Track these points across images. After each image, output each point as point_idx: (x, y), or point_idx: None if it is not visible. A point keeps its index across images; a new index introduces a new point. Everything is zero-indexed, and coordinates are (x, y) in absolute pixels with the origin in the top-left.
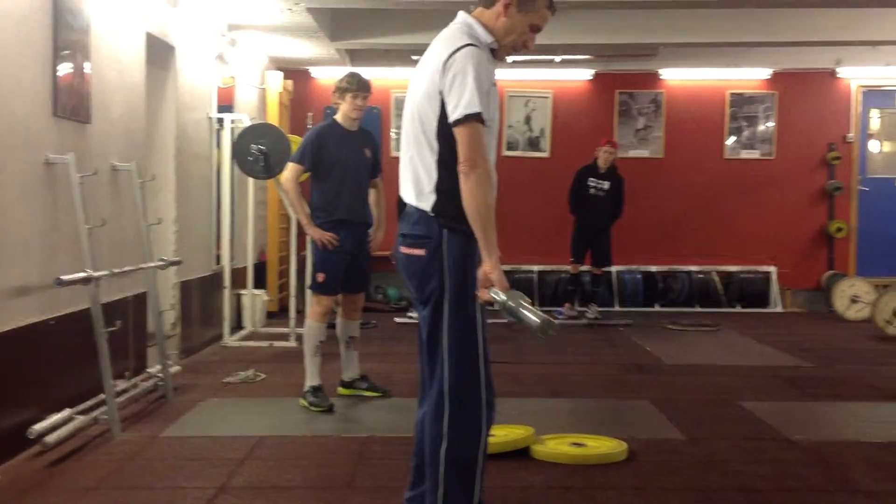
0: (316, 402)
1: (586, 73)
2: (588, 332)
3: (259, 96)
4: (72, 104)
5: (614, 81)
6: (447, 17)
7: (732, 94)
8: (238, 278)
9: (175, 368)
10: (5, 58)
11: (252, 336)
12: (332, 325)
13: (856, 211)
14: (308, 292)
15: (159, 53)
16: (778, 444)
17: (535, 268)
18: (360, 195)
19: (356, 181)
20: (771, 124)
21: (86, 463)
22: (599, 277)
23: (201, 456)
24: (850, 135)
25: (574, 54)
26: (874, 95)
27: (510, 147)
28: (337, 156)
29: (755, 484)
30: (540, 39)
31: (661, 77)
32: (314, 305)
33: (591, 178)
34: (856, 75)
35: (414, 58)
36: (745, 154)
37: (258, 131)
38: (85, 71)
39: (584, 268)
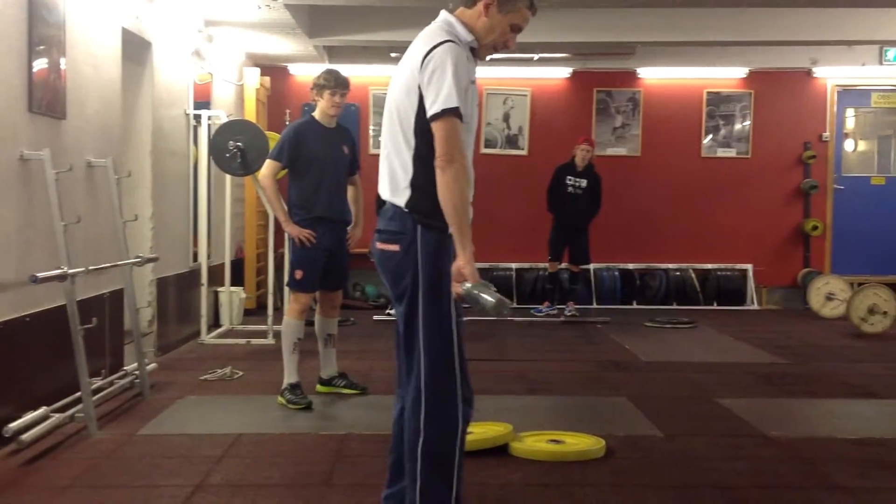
0: (294, 399)
1: (564, 72)
2: (566, 329)
3: (236, 93)
4: (47, 100)
5: (592, 80)
6: (425, 14)
7: (709, 92)
8: (215, 275)
9: (152, 366)
10: None
11: (229, 333)
12: (310, 323)
13: (831, 209)
14: (286, 289)
15: (135, 49)
16: (754, 441)
17: (514, 265)
18: (339, 192)
19: (334, 178)
20: (747, 123)
21: (62, 461)
22: (577, 275)
23: (178, 454)
24: (826, 134)
25: (552, 52)
26: (849, 95)
27: (488, 145)
28: (315, 153)
29: (732, 480)
30: (518, 37)
31: (638, 76)
32: (292, 303)
33: (569, 177)
34: (831, 75)
35: (393, 55)
36: (722, 153)
37: (235, 128)
38: (60, 66)
39: (563, 266)
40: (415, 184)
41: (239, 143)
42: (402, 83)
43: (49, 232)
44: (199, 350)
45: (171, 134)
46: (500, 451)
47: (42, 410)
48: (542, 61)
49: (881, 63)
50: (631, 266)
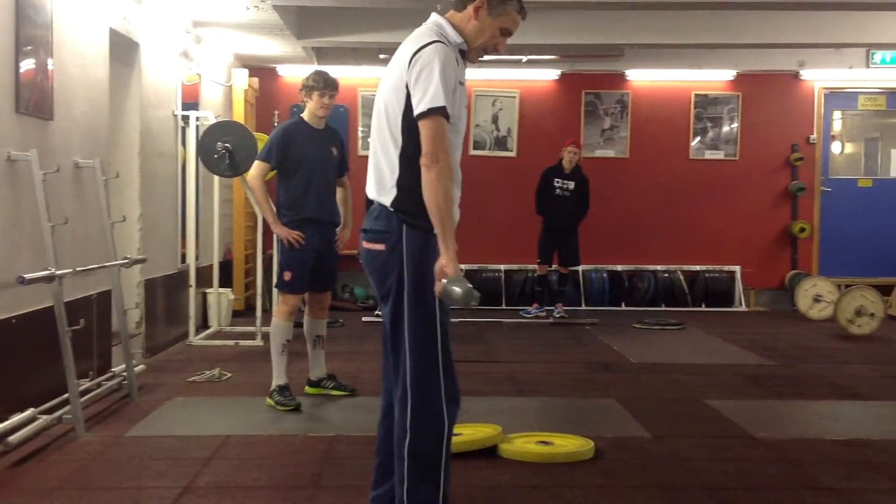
0: (282, 401)
1: (553, 73)
2: (555, 330)
3: (225, 94)
4: (34, 100)
5: (581, 82)
6: (414, 16)
7: (697, 95)
8: (203, 277)
9: (140, 367)
10: None
11: (218, 335)
12: (298, 324)
13: (818, 211)
14: (274, 291)
15: (123, 50)
16: (742, 442)
17: (502, 267)
18: (328, 193)
19: (323, 179)
20: (735, 125)
21: (49, 463)
22: (566, 276)
23: (166, 455)
24: (813, 136)
25: (541, 54)
26: (836, 97)
27: (477, 146)
28: (304, 154)
29: (720, 481)
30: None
31: (626, 78)
32: (281, 304)
33: (557, 179)
34: (818, 77)
35: (381, 56)
36: (710, 155)
37: (224, 129)
38: (48, 67)
39: (552, 268)
40: (401, 183)
41: (227, 145)
42: (391, 83)
43: (36, 233)
44: (187, 351)
45: (159, 135)
46: (489, 453)
47: (29, 412)
48: (530, 63)
49: (868, 66)
50: (619, 268)
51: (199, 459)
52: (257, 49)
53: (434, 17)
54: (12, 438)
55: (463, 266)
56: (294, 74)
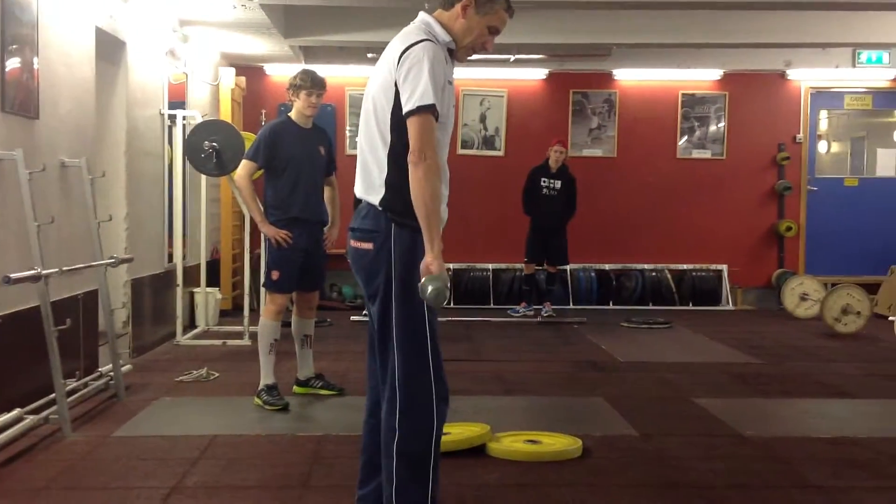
0: (270, 400)
1: (541, 73)
2: (543, 329)
3: (212, 93)
4: (20, 99)
5: (568, 81)
6: (402, 14)
7: (684, 94)
8: (191, 276)
9: (127, 367)
10: None
11: (205, 334)
12: (286, 324)
13: (805, 210)
14: (262, 290)
15: (110, 49)
16: (730, 440)
17: (490, 266)
18: (315, 193)
19: (311, 179)
20: (722, 125)
21: (36, 463)
22: (554, 276)
23: (154, 455)
24: (800, 135)
25: (529, 54)
26: (823, 97)
27: (465, 145)
28: (291, 153)
29: (707, 479)
30: (495, 38)
31: (614, 77)
32: (268, 304)
33: (543, 178)
34: (805, 77)
35: (369, 55)
36: (697, 154)
37: (211, 128)
38: (33, 66)
39: (540, 267)
40: (389, 182)
41: (214, 144)
42: (380, 81)
43: (22, 232)
44: (174, 351)
45: (146, 134)
46: (477, 452)
47: (16, 412)
48: (518, 62)
49: (854, 65)
50: (607, 267)
51: (187, 459)
52: (244, 48)
53: (422, 15)
54: None
55: (451, 265)
56: (281, 73)
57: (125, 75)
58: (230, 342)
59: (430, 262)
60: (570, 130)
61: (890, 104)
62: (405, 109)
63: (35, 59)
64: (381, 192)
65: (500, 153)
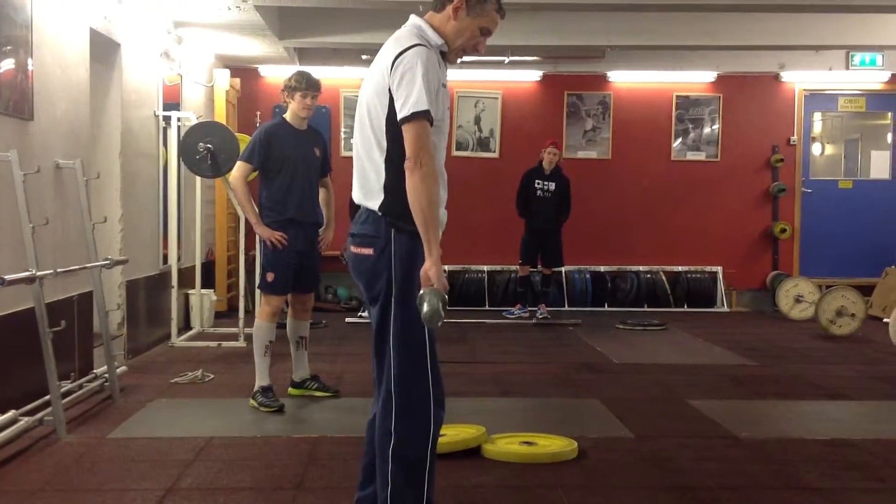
0: (266, 402)
1: (535, 75)
2: (538, 331)
3: (206, 94)
4: (14, 100)
5: (563, 83)
6: (396, 16)
7: (678, 96)
8: (186, 278)
9: (122, 369)
10: None
11: (200, 336)
12: (281, 325)
13: (799, 212)
14: (257, 292)
15: (104, 50)
16: (725, 442)
17: (485, 268)
18: (310, 194)
19: (306, 180)
20: (716, 127)
21: (31, 465)
22: (549, 277)
23: (149, 457)
24: (794, 137)
25: (523, 55)
26: (817, 99)
27: (460, 147)
28: (286, 155)
29: (703, 481)
30: (489, 40)
31: (608, 79)
32: (263, 305)
33: (538, 180)
34: (799, 79)
35: (364, 57)
36: (692, 156)
37: (205, 129)
38: (28, 67)
39: (535, 269)
40: (387, 187)
41: (209, 145)
42: (373, 86)
43: (17, 234)
44: (169, 353)
45: (141, 135)
46: (472, 454)
47: (10, 414)
48: (512, 64)
49: (848, 68)
50: (602, 268)
51: (182, 461)
52: (239, 49)
53: (413, 19)
54: None
55: (446, 267)
56: (276, 75)
57: (119, 77)
58: (225, 344)
59: (429, 267)
60: (564, 132)
61: (883, 106)
62: (399, 116)
63: (29, 61)
64: (380, 197)
65: (495, 155)
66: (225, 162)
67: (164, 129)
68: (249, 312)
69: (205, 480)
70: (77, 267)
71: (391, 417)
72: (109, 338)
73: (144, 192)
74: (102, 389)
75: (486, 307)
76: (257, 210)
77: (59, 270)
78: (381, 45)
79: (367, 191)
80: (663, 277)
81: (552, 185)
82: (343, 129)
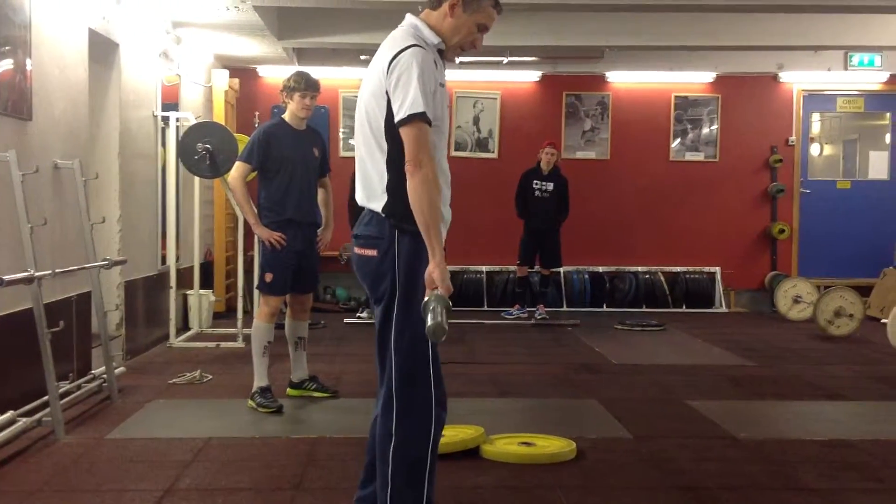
0: (264, 403)
1: (534, 75)
2: (537, 332)
3: (205, 94)
4: (12, 101)
5: (562, 83)
6: (395, 17)
7: (677, 96)
8: (184, 278)
9: (120, 369)
10: None
11: (199, 337)
12: (280, 326)
13: (798, 213)
14: (256, 292)
15: (103, 50)
16: (723, 443)
17: (484, 268)
18: (309, 195)
19: (304, 180)
20: (715, 127)
21: (29, 465)
22: (548, 278)
23: (147, 458)
24: (792, 138)
25: (522, 56)
26: (815, 99)
27: (458, 148)
28: (285, 155)
29: (701, 481)
30: (488, 41)
31: (607, 79)
32: (262, 306)
33: (536, 181)
34: (797, 79)
35: (362, 57)
36: (690, 156)
37: (204, 130)
38: (26, 67)
39: (533, 269)
40: (390, 188)
41: (207, 146)
42: (371, 89)
43: (15, 234)
44: (167, 353)
45: (139, 136)
46: (471, 454)
47: (9, 415)
48: (511, 65)
49: (846, 68)
50: (601, 269)
51: (181, 462)
52: (237, 50)
53: (409, 18)
54: None
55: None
56: (274, 75)
57: (118, 77)
58: (224, 344)
59: (433, 269)
60: (563, 133)
61: (882, 107)
62: (397, 118)
63: (28, 61)
64: (384, 198)
65: (494, 155)
66: (223, 162)
67: (163, 130)
68: (248, 313)
69: (203, 481)
70: (75, 267)
71: (392, 418)
72: (108, 338)
73: (143, 192)
74: (101, 390)
75: (485, 308)
76: (256, 210)
77: (57, 271)
78: (379, 45)
79: (370, 193)
80: (662, 278)
81: (550, 186)
82: (342, 130)
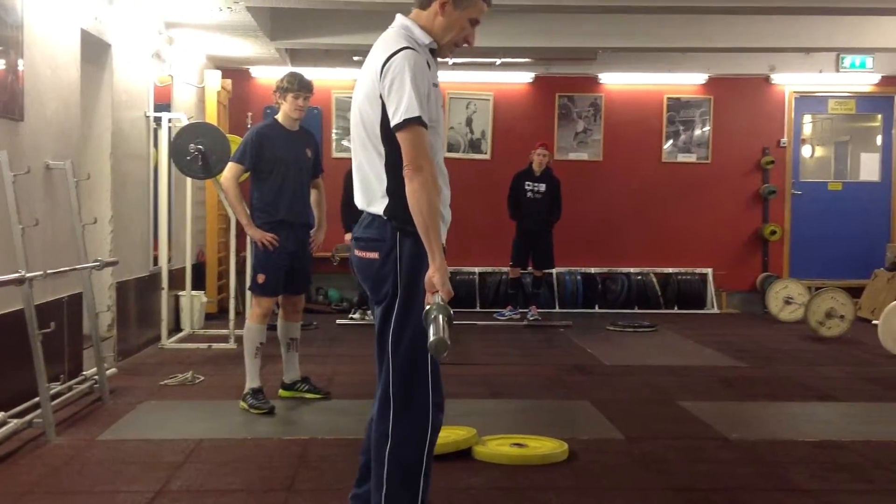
0: (256, 404)
1: (527, 76)
2: (529, 333)
3: (197, 95)
4: (4, 101)
5: (554, 85)
6: (388, 17)
7: (669, 98)
8: (176, 279)
9: (111, 371)
10: None
11: (190, 338)
12: (272, 327)
13: (789, 214)
14: (248, 293)
15: (95, 51)
16: (715, 444)
17: (476, 269)
18: (301, 196)
19: (297, 181)
20: (707, 129)
21: (20, 467)
22: (540, 279)
23: (139, 459)
24: (784, 139)
25: (515, 57)
26: (807, 101)
27: (451, 149)
28: (278, 156)
29: (693, 482)
30: (481, 42)
31: (600, 81)
32: (254, 307)
33: (528, 182)
34: (789, 81)
35: (355, 58)
36: (682, 158)
37: (196, 130)
38: (18, 68)
39: (525, 271)
40: (391, 191)
41: (200, 146)
42: (365, 91)
43: (6, 235)
44: (159, 355)
45: (131, 136)
46: (463, 455)
47: None
48: (504, 66)
49: (838, 70)
50: (593, 270)
51: (172, 463)
52: (230, 50)
53: (400, 19)
54: None
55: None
56: (267, 76)
57: (110, 77)
58: (215, 346)
59: (433, 273)
60: (556, 134)
61: (873, 108)
62: (392, 123)
63: (20, 61)
64: (385, 202)
65: (487, 156)
66: (216, 163)
67: (155, 130)
68: (240, 314)
69: (195, 482)
70: (67, 268)
71: (388, 419)
72: (99, 339)
73: (135, 193)
74: (92, 391)
75: (478, 309)
76: (248, 211)
77: (48, 272)
78: (372, 45)
79: (371, 196)
80: (654, 279)
81: (542, 187)
82: (335, 131)
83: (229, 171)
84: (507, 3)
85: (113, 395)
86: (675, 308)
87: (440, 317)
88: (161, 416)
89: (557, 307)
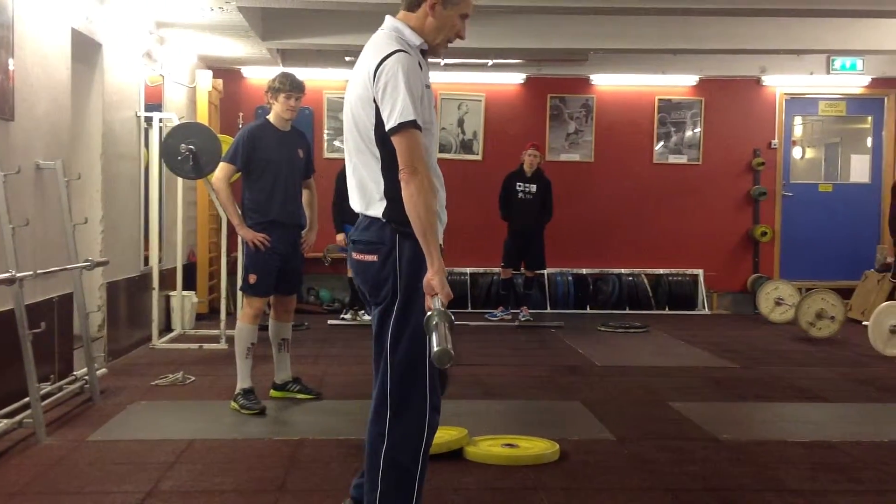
0: (247, 404)
1: (518, 77)
2: (520, 333)
3: (188, 95)
4: None
5: (546, 86)
6: (379, 18)
7: (661, 99)
8: (167, 279)
9: (102, 371)
10: None
11: (181, 338)
12: (263, 328)
13: (780, 215)
14: (239, 294)
15: (86, 50)
16: (706, 444)
17: (468, 270)
18: (293, 196)
19: (289, 182)
20: (698, 130)
21: (10, 468)
22: (531, 280)
23: (129, 460)
24: (775, 141)
25: (506, 58)
26: (797, 103)
27: (443, 149)
28: (269, 156)
29: (684, 483)
30: (473, 43)
31: (591, 82)
32: (245, 307)
33: (519, 183)
34: (780, 83)
35: (347, 58)
36: (673, 159)
37: (187, 130)
38: (9, 67)
39: (518, 272)
40: (388, 194)
41: (191, 146)
42: (358, 93)
43: None
44: (150, 355)
45: (122, 136)
46: (454, 456)
47: None
48: (496, 67)
49: (828, 72)
50: (584, 271)
51: (163, 464)
52: (221, 50)
53: (390, 20)
54: None
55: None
56: (259, 76)
57: (101, 77)
58: (206, 346)
59: (431, 276)
60: (547, 135)
61: (863, 110)
62: (387, 127)
63: (10, 61)
64: (383, 204)
65: (478, 157)
66: (207, 163)
67: (146, 130)
68: (231, 314)
69: (186, 483)
70: (57, 268)
71: (385, 420)
72: (90, 340)
73: (125, 193)
74: (82, 392)
75: (469, 309)
76: (240, 211)
77: (39, 272)
78: (364, 46)
79: (368, 200)
80: (645, 280)
81: (533, 188)
82: (326, 131)
83: (220, 171)
84: (499, 4)
85: (103, 395)
86: (667, 309)
87: (442, 325)
88: (152, 417)
89: (549, 308)
